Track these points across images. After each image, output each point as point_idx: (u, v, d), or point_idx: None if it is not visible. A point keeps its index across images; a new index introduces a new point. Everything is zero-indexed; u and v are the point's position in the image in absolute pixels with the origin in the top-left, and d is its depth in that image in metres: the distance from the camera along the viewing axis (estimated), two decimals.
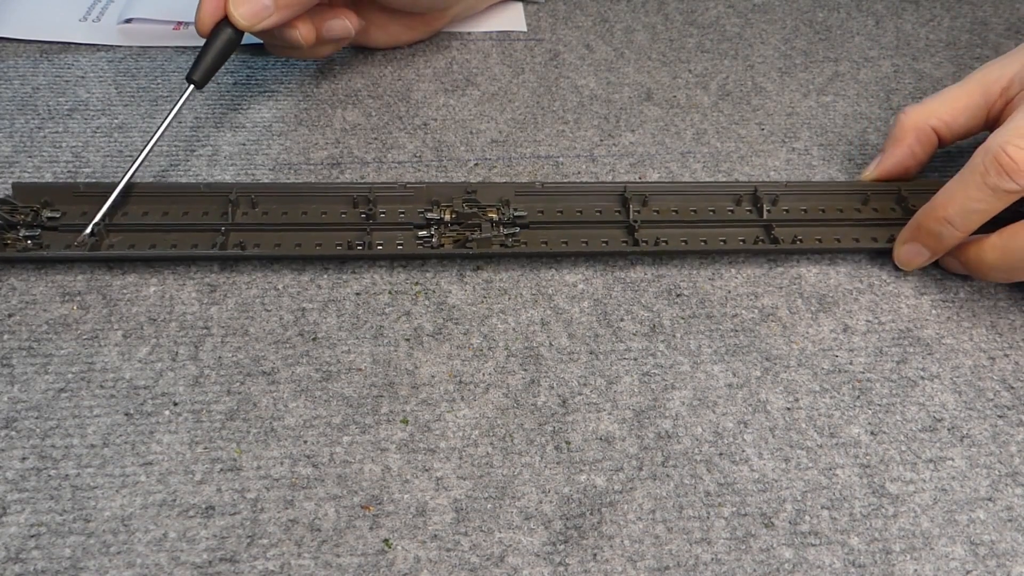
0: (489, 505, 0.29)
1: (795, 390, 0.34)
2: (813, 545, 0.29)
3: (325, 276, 0.37)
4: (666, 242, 0.38)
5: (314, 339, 0.34)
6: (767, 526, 0.29)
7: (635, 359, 0.34)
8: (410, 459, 0.31)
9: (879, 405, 0.33)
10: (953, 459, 0.32)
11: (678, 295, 0.37)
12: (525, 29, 0.53)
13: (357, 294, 0.36)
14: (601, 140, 0.45)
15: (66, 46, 0.48)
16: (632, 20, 0.55)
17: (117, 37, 0.49)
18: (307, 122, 0.45)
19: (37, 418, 0.31)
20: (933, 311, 0.37)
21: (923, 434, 0.32)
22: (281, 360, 0.33)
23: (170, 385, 0.32)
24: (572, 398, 0.33)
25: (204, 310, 0.35)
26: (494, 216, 0.38)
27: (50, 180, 0.40)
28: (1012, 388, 0.34)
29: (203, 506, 0.29)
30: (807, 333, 0.36)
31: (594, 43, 0.52)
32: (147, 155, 0.38)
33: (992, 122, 0.40)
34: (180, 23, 0.50)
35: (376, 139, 0.44)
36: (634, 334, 0.35)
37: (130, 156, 0.42)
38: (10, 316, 0.34)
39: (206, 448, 0.30)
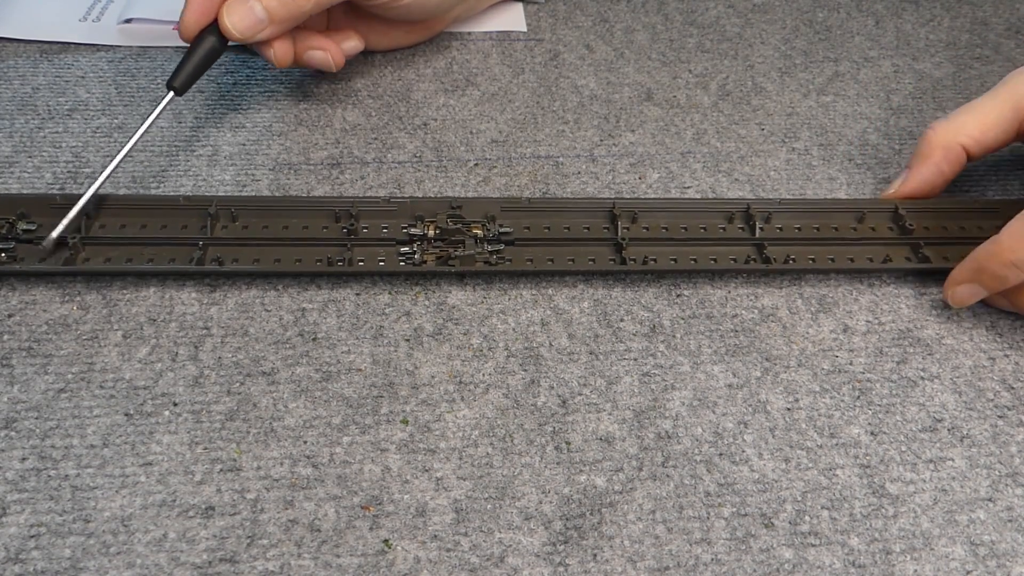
0: (489, 505, 0.29)
1: (795, 390, 0.34)
2: (813, 545, 0.29)
3: (325, 276, 0.37)
4: (655, 260, 0.37)
5: (314, 339, 0.34)
6: (767, 526, 0.29)
7: (635, 359, 0.34)
8: (410, 459, 0.31)
9: (879, 405, 0.33)
10: (953, 459, 0.32)
11: (678, 295, 0.37)
12: (525, 29, 0.53)
13: (357, 294, 0.36)
14: (601, 140, 0.45)
15: (66, 46, 0.48)
16: (632, 20, 0.55)
17: (117, 37, 0.49)
18: (307, 122, 0.45)
19: (37, 418, 0.31)
20: (933, 311, 0.37)
21: (923, 434, 0.32)
22: (281, 360, 0.33)
23: (170, 385, 0.32)
24: (572, 398, 0.33)
25: (204, 310, 0.35)
26: (479, 232, 0.37)
27: (50, 180, 0.40)
28: (1012, 388, 0.34)
29: (203, 506, 0.29)
30: (807, 333, 0.36)
31: (594, 43, 0.52)
32: (119, 163, 0.37)
33: None
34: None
35: (376, 139, 0.44)
36: (634, 334, 0.35)
37: (130, 156, 0.42)
38: (10, 316, 0.34)
39: (206, 448, 0.30)
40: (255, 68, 0.48)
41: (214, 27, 0.40)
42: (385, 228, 0.38)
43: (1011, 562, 0.29)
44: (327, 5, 0.41)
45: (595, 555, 0.28)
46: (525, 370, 0.34)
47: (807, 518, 0.30)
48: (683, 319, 0.36)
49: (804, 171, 0.44)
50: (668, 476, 0.31)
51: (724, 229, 0.39)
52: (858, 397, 0.34)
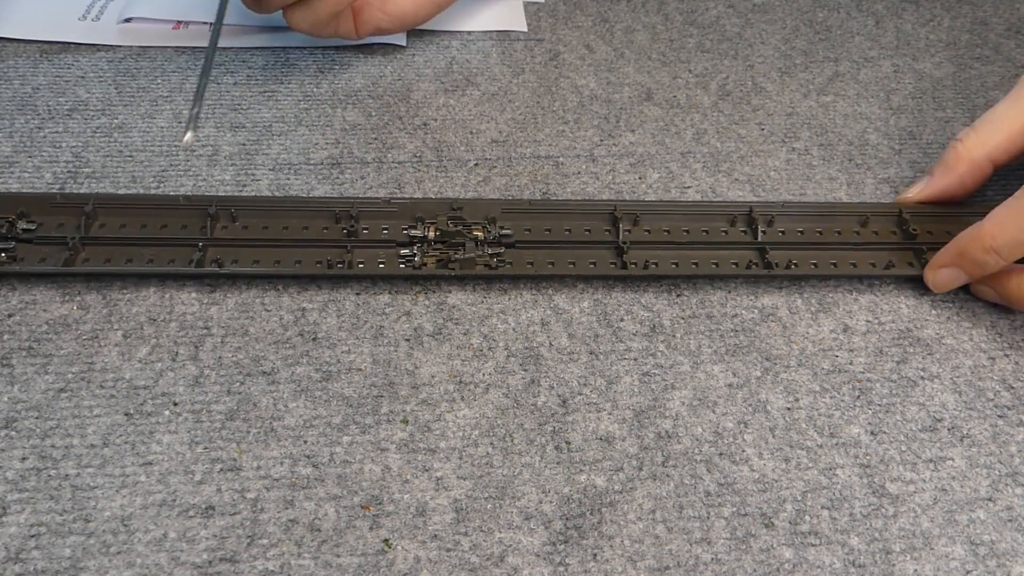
0: (489, 505, 0.29)
1: (795, 390, 0.34)
2: (813, 545, 0.29)
3: (324, 278, 0.37)
4: (656, 264, 0.37)
5: (314, 339, 0.34)
6: (767, 526, 0.29)
7: (635, 359, 0.34)
8: (410, 459, 0.31)
9: (879, 405, 0.33)
10: (953, 459, 0.32)
11: (678, 295, 0.37)
12: (525, 29, 0.53)
13: (357, 294, 0.36)
14: (601, 140, 0.45)
15: (66, 46, 0.48)
16: (632, 20, 0.55)
17: (116, 37, 0.49)
18: (307, 122, 0.45)
19: (37, 418, 0.31)
20: (933, 311, 0.37)
21: (923, 434, 0.32)
22: (281, 360, 0.33)
23: (170, 385, 0.32)
24: (572, 398, 0.33)
25: (204, 310, 0.35)
26: (479, 234, 0.37)
27: (50, 180, 0.40)
28: (1012, 388, 0.34)
29: (203, 506, 0.29)
30: (807, 333, 0.36)
31: (594, 43, 0.52)
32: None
33: None
34: (180, 22, 0.50)
35: (376, 139, 0.44)
36: (634, 334, 0.35)
37: (130, 156, 0.42)
38: (10, 316, 0.34)
39: (206, 448, 0.30)
40: (255, 68, 0.48)
41: None
42: (385, 229, 0.37)
43: (1011, 562, 0.29)
44: None
45: (595, 555, 0.28)
46: (525, 370, 0.34)
47: (807, 518, 0.30)
48: (683, 319, 0.36)
49: (804, 171, 0.44)
50: (668, 476, 0.31)
51: (726, 232, 0.39)
52: (858, 397, 0.34)
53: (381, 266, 0.36)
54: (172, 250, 0.36)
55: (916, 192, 0.41)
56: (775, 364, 0.35)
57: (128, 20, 0.49)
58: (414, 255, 0.36)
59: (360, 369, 0.33)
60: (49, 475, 0.29)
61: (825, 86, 0.50)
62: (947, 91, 0.50)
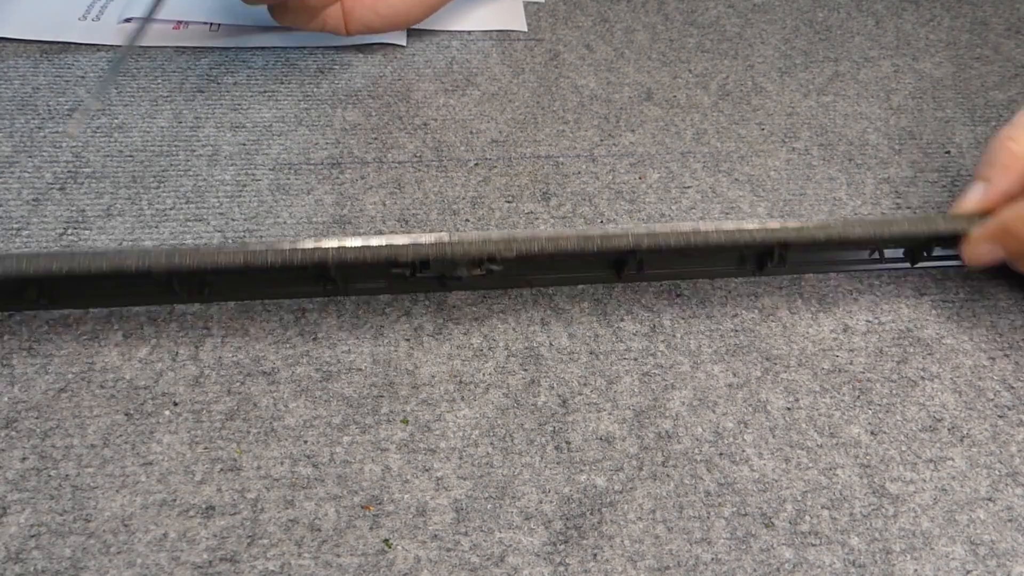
0: (489, 505, 0.29)
1: (795, 390, 0.34)
2: (813, 545, 0.29)
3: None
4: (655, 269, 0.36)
5: (314, 339, 0.34)
6: (767, 526, 0.29)
7: (635, 359, 0.34)
8: (410, 459, 0.31)
9: (879, 405, 0.33)
10: (953, 459, 0.32)
11: (678, 295, 0.37)
12: (525, 29, 0.53)
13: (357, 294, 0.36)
14: (601, 140, 0.45)
15: (66, 46, 0.48)
16: (632, 20, 0.55)
17: (117, 36, 0.49)
18: (307, 122, 0.45)
19: (37, 418, 0.31)
20: (933, 311, 0.37)
21: (923, 434, 0.33)
22: (281, 360, 0.33)
23: (170, 385, 0.32)
24: (572, 398, 0.33)
25: (204, 310, 0.35)
26: (467, 273, 0.34)
27: (50, 180, 0.40)
28: (1012, 388, 0.34)
29: (203, 506, 0.29)
30: (807, 333, 0.36)
31: (594, 43, 0.52)
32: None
33: None
34: (180, 23, 0.50)
35: (376, 139, 0.44)
36: (634, 334, 0.35)
37: (130, 156, 0.42)
38: (10, 316, 0.34)
39: (206, 448, 0.30)
40: (255, 68, 0.48)
41: None
42: (371, 266, 0.33)
43: (1011, 562, 0.29)
44: None
45: (595, 555, 0.28)
46: (525, 370, 0.34)
47: (807, 518, 0.30)
48: (683, 319, 0.36)
49: (804, 171, 0.44)
50: (668, 476, 0.31)
51: (734, 269, 0.37)
52: (858, 397, 0.34)
53: (380, 285, 0.35)
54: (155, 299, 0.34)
55: (977, 200, 0.37)
56: (775, 364, 0.35)
57: (128, 20, 0.49)
58: (405, 273, 0.34)
59: (360, 369, 0.33)
60: (49, 475, 0.29)
61: (825, 86, 0.50)
62: (947, 91, 0.50)
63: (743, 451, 0.31)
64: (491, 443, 0.31)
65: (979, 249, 0.36)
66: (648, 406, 0.33)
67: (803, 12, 0.57)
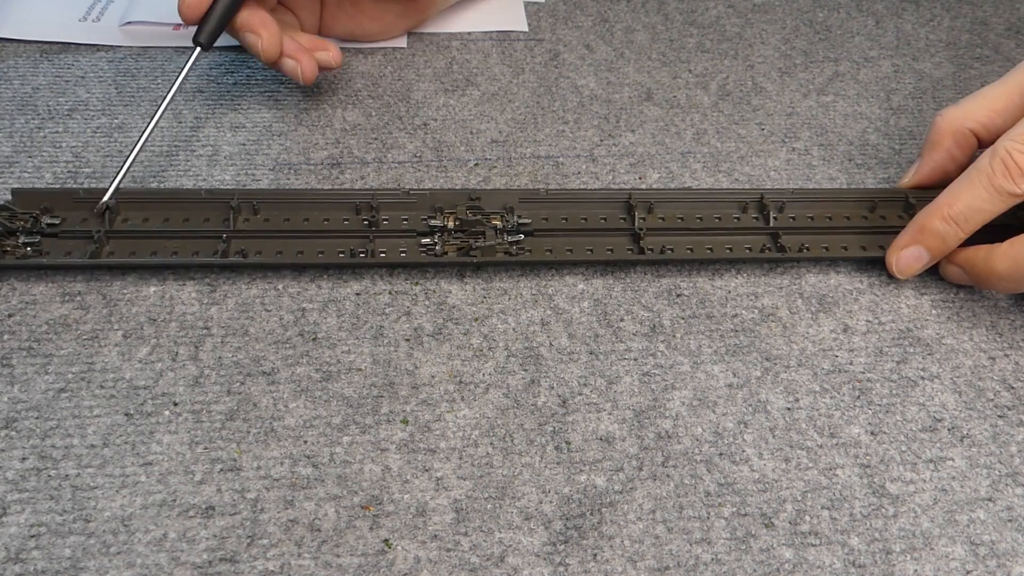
0: (489, 505, 0.29)
1: (795, 390, 0.34)
2: (813, 545, 0.29)
3: (325, 276, 0.37)
4: (672, 250, 0.37)
5: (314, 339, 0.34)
6: (767, 526, 0.29)
7: (635, 359, 0.34)
8: (410, 459, 0.31)
9: (879, 405, 0.33)
10: (953, 459, 0.32)
11: (678, 295, 0.37)
12: (526, 29, 0.53)
13: (357, 294, 0.36)
14: (601, 140, 0.45)
15: (66, 46, 0.48)
16: (632, 20, 0.55)
17: (117, 37, 0.49)
18: (307, 122, 0.45)
19: (37, 418, 0.31)
20: (933, 311, 0.37)
21: (923, 434, 0.32)
22: (281, 360, 0.33)
23: (170, 385, 0.32)
24: (572, 398, 0.33)
25: (204, 310, 0.35)
26: (498, 223, 0.37)
27: (50, 180, 0.40)
28: (1012, 388, 0.34)
29: (203, 506, 0.29)
30: (807, 333, 0.36)
31: (594, 43, 0.52)
32: (152, 129, 0.38)
33: None
34: (180, 24, 0.50)
35: (376, 139, 0.44)
36: (634, 334, 0.35)
37: None
38: (10, 316, 0.34)
39: (206, 448, 0.30)
40: (255, 68, 0.48)
41: None
42: (405, 220, 0.38)
43: (1011, 562, 0.29)
44: None
45: (595, 555, 0.28)
46: (525, 370, 0.34)
47: (807, 518, 0.30)
48: (683, 319, 0.36)
49: (804, 171, 0.44)
50: (668, 476, 0.31)
51: (739, 219, 0.39)
52: (858, 397, 0.34)
53: (403, 254, 0.36)
54: (196, 242, 0.36)
55: (910, 176, 0.41)
56: (775, 364, 0.35)
57: (128, 23, 0.49)
58: (435, 244, 0.37)
59: (360, 369, 0.33)
60: (49, 475, 0.29)
61: (825, 86, 0.50)
62: (947, 91, 0.50)
63: (743, 451, 0.31)
64: (491, 443, 0.31)
65: (902, 255, 0.37)
66: (648, 406, 0.33)
67: (803, 12, 0.57)
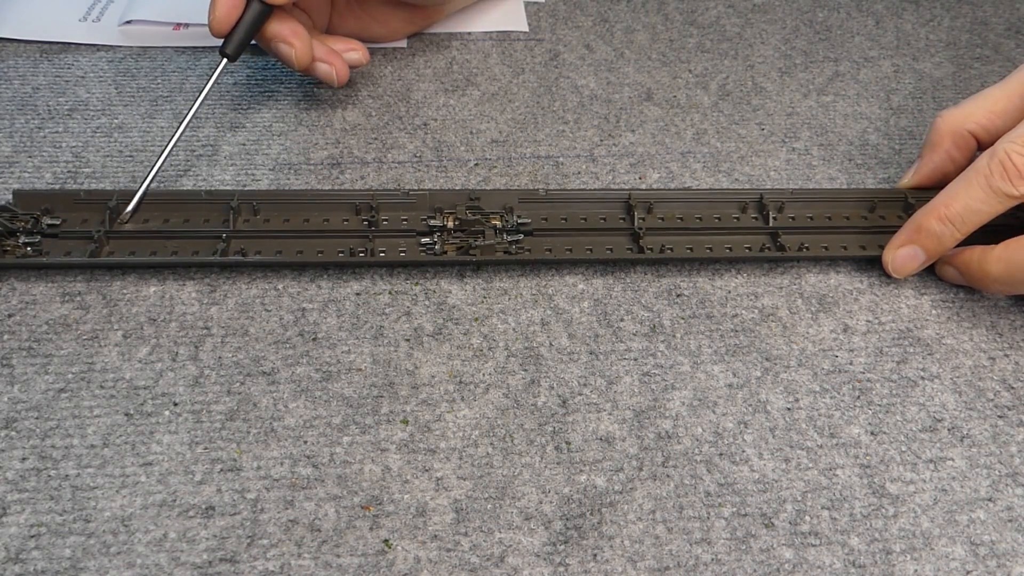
0: (489, 505, 0.29)
1: (795, 390, 0.34)
2: (813, 545, 0.29)
3: (325, 277, 0.37)
4: (671, 249, 0.37)
5: (314, 339, 0.34)
6: (767, 526, 0.29)
7: (635, 359, 0.34)
8: (410, 459, 0.31)
9: (879, 405, 0.33)
10: (953, 459, 0.32)
11: (678, 295, 0.37)
12: (526, 29, 0.53)
13: (357, 294, 0.36)
14: (601, 140, 0.45)
15: (66, 46, 0.48)
16: (632, 20, 0.55)
17: (117, 37, 0.49)
18: (307, 122, 0.45)
19: (37, 418, 0.31)
20: (933, 311, 0.37)
21: (923, 434, 0.32)
22: (281, 360, 0.33)
23: (170, 385, 0.32)
24: (572, 398, 0.33)
25: (204, 310, 0.35)
26: (497, 223, 0.37)
27: (50, 180, 0.40)
28: (1012, 388, 0.34)
29: (203, 506, 0.29)
30: (807, 333, 0.36)
31: (594, 43, 0.52)
32: (179, 138, 0.38)
33: None
34: (180, 24, 0.50)
35: (376, 139, 0.44)
36: (634, 334, 0.35)
37: (130, 156, 0.42)
38: (10, 316, 0.34)
39: (206, 448, 0.30)
40: (255, 68, 0.48)
41: None
42: (405, 220, 0.38)
43: (1011, 562, 0.29)
44: None
45: (595, 555, 0.28)
46: (525, 370, 0.34)
47: (807, 518, 0.30)
48: (683, 319, 0.36)
49: (804, 171, 0.44)
50: (668, 476, 0.31)
51: (738, 219, 0.39)
52: (858, 397, 0.34)
53: (403, 254, 0.37)
54: (196, 243, 0.36)
55: (909, 177, 0.41)
56: (775, 364, 0.35)
57: (129, 23, 0.49)
58: (434, 243, 0.37)
59: (360, 369, 0.33)
60: (49, 475, 0.29)
61: (825, 86, 0.50)
62: (947, 91, 0.50)
63: (743, 451, 0.31)
64: (491, 443, 0.31)
65: (898, 254, 0.37)
66: (648, 406, 0.33)
67: (803, 12, 0.57)
